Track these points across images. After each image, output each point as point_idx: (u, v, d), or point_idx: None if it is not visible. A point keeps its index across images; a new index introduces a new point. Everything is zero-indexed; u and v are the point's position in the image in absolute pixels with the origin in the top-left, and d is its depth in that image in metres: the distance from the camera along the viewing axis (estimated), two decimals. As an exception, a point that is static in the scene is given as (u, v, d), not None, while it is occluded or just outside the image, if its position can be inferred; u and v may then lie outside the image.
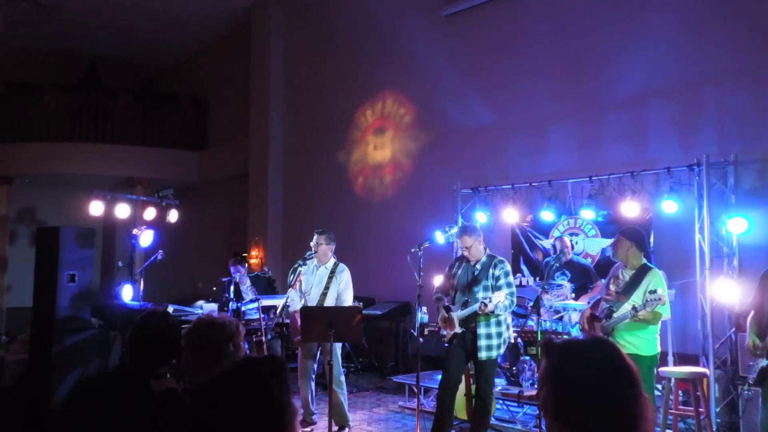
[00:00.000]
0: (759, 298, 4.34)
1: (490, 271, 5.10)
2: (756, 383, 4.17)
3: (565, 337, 5.32)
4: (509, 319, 5.24)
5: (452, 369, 5.16)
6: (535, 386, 6.13)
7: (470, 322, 5.05)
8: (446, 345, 5.26)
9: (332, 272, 6.03)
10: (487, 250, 5.26)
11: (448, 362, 5.19)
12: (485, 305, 4.86)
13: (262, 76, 12.07)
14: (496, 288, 5.04)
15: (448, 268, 5.40)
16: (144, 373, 2.70)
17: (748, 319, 4.41)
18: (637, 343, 4.66)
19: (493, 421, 6.07)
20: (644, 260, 4.93)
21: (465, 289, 5.14)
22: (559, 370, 1.56)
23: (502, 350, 5.14)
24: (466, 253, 5.20)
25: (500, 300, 4.87)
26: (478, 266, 5.17)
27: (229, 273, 8.21)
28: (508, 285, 5.06)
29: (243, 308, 7.43)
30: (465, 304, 5.08)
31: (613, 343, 1.62)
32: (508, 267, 5.19)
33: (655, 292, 4.50)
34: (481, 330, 4.99)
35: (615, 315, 4.73)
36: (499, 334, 5.05)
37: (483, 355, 4.98)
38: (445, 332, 5.22)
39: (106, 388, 2.68)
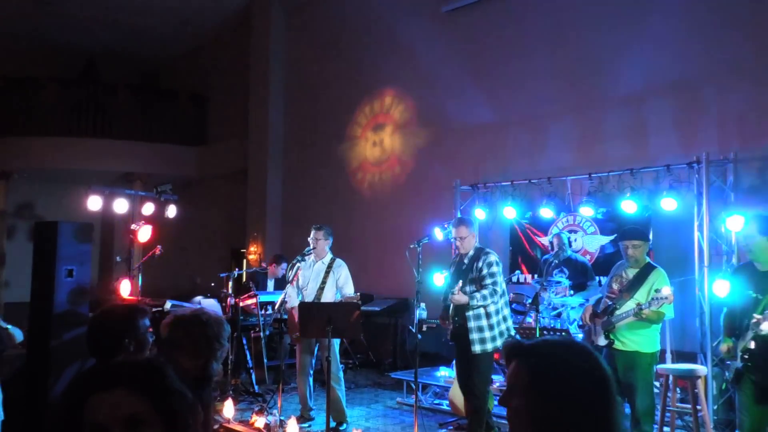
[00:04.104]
0: (734, 293, 4.25)
1: (475, 263, 5.08)
2: (732, 383, 4.10)
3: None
4: (506, 311, 5.17)
5: (458, 367, 5.31)
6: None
7: (460, 317, 5.03)
8: (451, 343, 5.34)
9: (329, 267, 6.04)
10: (477, 244, 5.24)
11: (456, 362, 5.37)
12: (453, 295, 4.90)
13: (261, 71, 12.04)
14: (479, 280, 5.00)
15: (449, 267, 5.45)
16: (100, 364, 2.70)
17: (722, 318, 4.34)
18: (638, 340, 4.66)
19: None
20: (647, 258, 4.93)
21: (454, 284, 5.12)
22: (541, 375, 1.42)
23: (498, 343, 5.01)
24: (458, 244, 5.20)
25: (459, 286, 4.90)
26: (465, 260, 5.17)
27: (227, 268, 8.20)
28: (491, 275, 5.00)
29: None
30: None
31: (585, 345, 1.52)
32: (493, 258, 5.09)
33: (660, 291, 4.49)
34: (472, 324, 4.97)
35: (617, 312, 4.73)
36: (491, 327, 4.98)
37: (477, 348, 4.94)
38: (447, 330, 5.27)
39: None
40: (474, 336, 4.95)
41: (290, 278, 6.04)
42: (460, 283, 4.95)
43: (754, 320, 3.79)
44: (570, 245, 7.01)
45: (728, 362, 4.13)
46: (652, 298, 4.50)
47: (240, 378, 7.40)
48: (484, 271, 5.01)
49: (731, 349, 4.04)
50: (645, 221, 6.61)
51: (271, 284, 8.35)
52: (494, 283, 4.99)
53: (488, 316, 4.99)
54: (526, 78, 8.32)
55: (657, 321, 4.66)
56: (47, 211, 12.73)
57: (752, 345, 3.87)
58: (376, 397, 7.42)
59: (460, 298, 4.89)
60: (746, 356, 3.92)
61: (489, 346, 4.97)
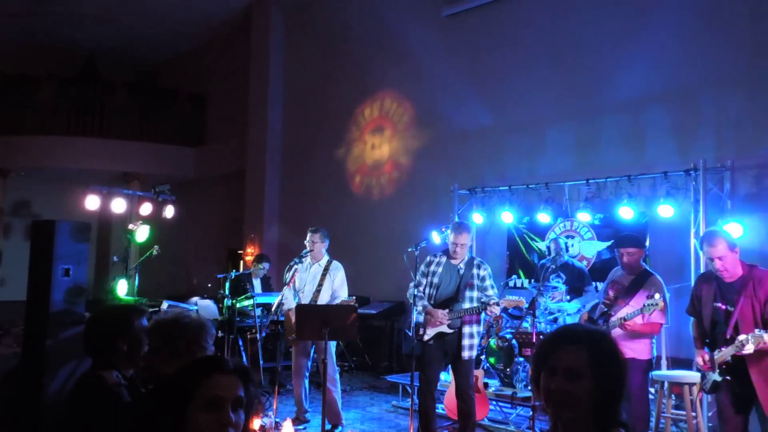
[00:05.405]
0: (697, 304, 4.21)
1: (474, 271, 5.16)
2: (709, 392, 4.13)
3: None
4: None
5: (432, 373, 5.17)
6: (529, 387, 6.13)
7: (455, 322, 5.09)
8: (424, 345, 5.15)
9: (326, 269, 6.05)
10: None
11: (428, 366, 5.13)
12: (497, 305, 5.02)
13: (260, 72, 12.04)
14: (482, 288, 5.14)
15: (425, 266, 5.32)
16: (97, 364, 2.74)
17: (692, 329, 4.30)
18: (633, 346, 4.67)
19: (485, 422, 6.09)
20: (644, 265, 4.95)
21: (451, 288, 5.15)
22: (599, 355, 1.68)
23: (477, 349, 5.33)
24: (458, 249, 5.14)
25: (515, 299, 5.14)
26: (461, 266, 5.18)
27: (224, 269, 8.20)
28: (493, 287, 5.21)
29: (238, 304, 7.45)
30: (451, 303, 5.09)
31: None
32: (490, 268, 5.32)
33: (653, 297, 4.51)
34: (466, 329, 5.08)
35: (613, 319, 4.75)
36: (479, 334, 5.20)
37: (466, 354, 5.06)
38: (429, 332, 5.13)
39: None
40: (466, 342, 5.08)
41: (287, 280, 6.04)
42: (509, 298, 5.16)
43: (738, 341, 3.77)
44: (567, 250, 7.02)
45: (702, 372, 4.13)
46: (645, 304, 4.54)
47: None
48: (488, 281, 5.18)
49: (707, 360, 4.05)
50: (642, 228, 6.63)
51: (257, 284, 8.36)
52: (497, 295, 5.20)
53: (479, 323, 5.18)
54: (525, 83, 8.35)
55: (647, 334, 4.71)
56: (44, 209, 12.71)
57: (729, 358, 3.91)
58: (371, 400, 7.42)
59: (498, 308, 5.08)
60: (723, 367, 3.96)
61: (474, 353, 5.16)
